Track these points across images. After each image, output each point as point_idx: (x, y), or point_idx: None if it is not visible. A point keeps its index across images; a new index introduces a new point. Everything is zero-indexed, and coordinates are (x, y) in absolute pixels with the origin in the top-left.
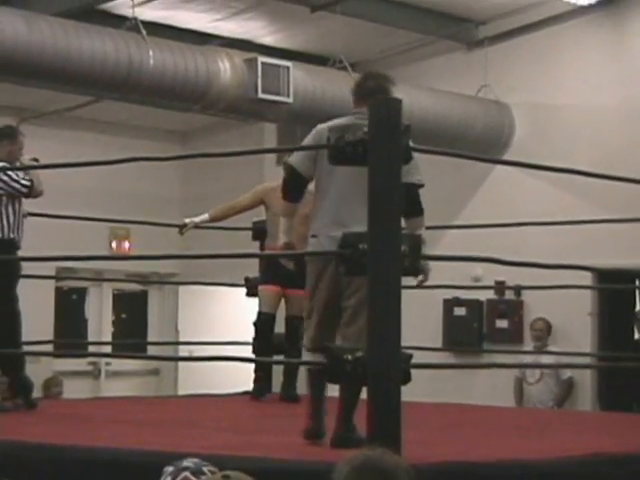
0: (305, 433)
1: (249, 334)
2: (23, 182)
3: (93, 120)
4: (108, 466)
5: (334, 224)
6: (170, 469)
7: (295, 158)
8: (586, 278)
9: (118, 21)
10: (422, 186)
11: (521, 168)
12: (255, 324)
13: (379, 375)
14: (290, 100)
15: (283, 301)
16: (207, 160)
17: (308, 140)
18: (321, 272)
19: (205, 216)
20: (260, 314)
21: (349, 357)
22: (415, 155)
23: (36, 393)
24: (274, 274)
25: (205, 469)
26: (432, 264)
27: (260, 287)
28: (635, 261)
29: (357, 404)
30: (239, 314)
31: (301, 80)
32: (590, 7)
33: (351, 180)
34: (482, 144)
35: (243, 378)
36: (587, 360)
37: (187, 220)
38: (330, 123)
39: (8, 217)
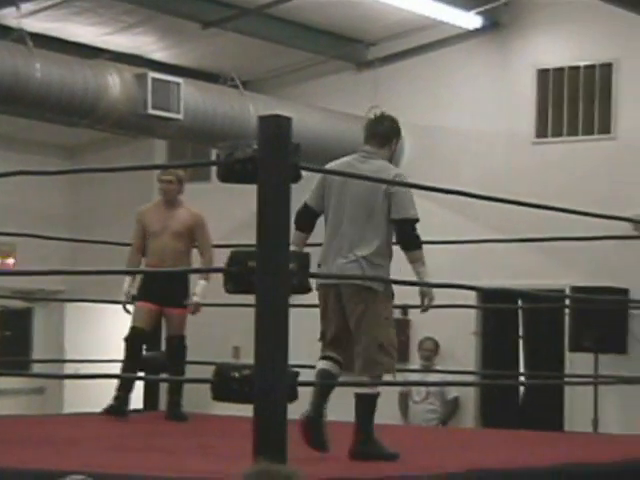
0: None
1: None
2: None
3: None
4: None
5: (334, 253)
6: None
7: (309, 195)
8: (471, 298)
9: (3, 32)
10: (417, 220)
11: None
12: (125, 339)
13: (265, 393)
14: (180, 117)
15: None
16: (96, 175)
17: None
18: (327, 298)
19: (127, 286)
20: (130, 329)
21: (236, 375)
22: (410, 190)
23: None
24: (149, 291)
25: None
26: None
27: (136, 303)
28: (517, 281)
29: (372, 418)
30: (126, 331)
31: (192, 97)
32: (477, 31)
33: (348, 206)
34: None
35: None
36: (471, 378)
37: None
38: (335, 162)
39: None
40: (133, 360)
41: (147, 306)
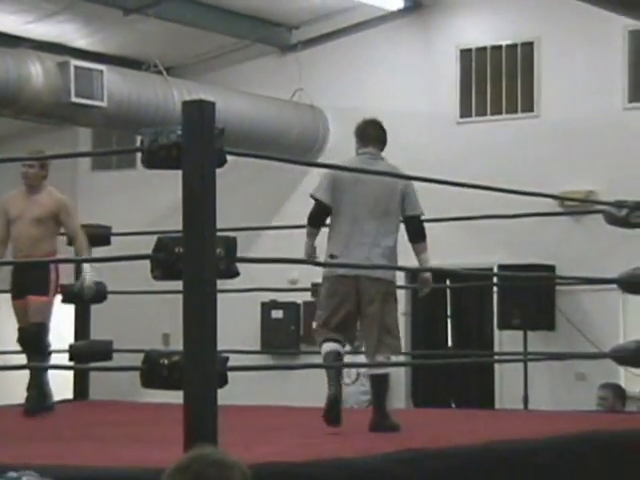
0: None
1: (66, 341)
2: None
3: None
4: None
5: (356, 245)
6: None
7: (318, 192)
8: (400, 278)
9: None
10: (422, 214)
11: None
12: (17, 342)
13: (195, 379)
14: (104, 104)
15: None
16: (20, 165)
17: (323, 179)
18: (344, 286)
19: None
20: (17, 331)
21: (165, 361)
22: (414, 187)
23: None
24: (15, 286)
25: (25, 479)
26: (249, 267)
27: (12, 302)
28: (446, 261)
29: (386, 394)
30: (55, 321)
31: (115, 84)
32: (399, 12)
33: (365, 203)
34: (298, 147)
35: (60, 386)
36: (401, 359)
37: None
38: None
39: None
40: (40, 356)
41: (19, 303)
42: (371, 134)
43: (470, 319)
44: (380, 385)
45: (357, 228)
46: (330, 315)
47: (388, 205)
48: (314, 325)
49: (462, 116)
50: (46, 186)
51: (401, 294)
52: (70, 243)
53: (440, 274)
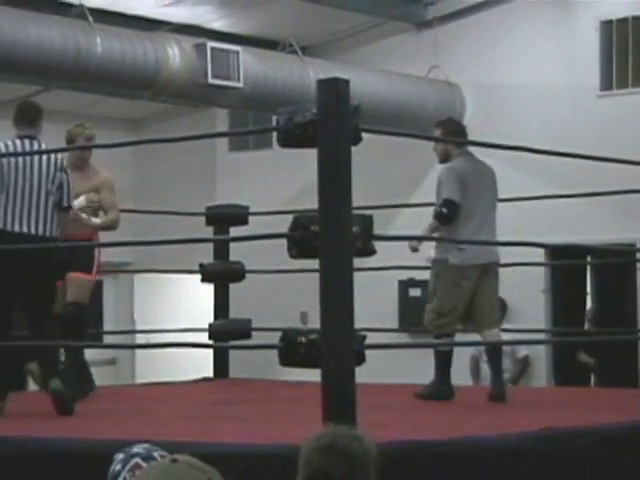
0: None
1: (205, 320)
2: None
3: (45, 110)
4: (62, 456)
5: (487, 235)
6: (120, 456)
7: (454, 195)
8: (539, 255)
9: (64, 8)
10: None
11: (473, 148)
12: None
13: (332, 357)
14: (240, 85)
15: None
16: (160, 147)
17: (450, 177)
18: (474, 275)
19: None
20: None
21: (303, 340)
22: (445, 174)
23: None
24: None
25: (156, 454)
26: (387, 245)
27: None
28: (586, 237)
29: (447, 362)
30: (195, 300)
31: (251, 65)
32: None
33: (490, 202)
34: (434, 124)
35: (200, 364)
36: (541, 337)
37: None
38: (462, 164)
39: None
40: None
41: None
42: (465, 134)
43: (611, 296)
44: (435, 360)
45: (485, 219)
46: (456, 304)
47: (495, 195)
48: (430, 313)
49: (603, 89)
50: (90, 164)
51: (540, 271)
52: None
53: (580, 250)
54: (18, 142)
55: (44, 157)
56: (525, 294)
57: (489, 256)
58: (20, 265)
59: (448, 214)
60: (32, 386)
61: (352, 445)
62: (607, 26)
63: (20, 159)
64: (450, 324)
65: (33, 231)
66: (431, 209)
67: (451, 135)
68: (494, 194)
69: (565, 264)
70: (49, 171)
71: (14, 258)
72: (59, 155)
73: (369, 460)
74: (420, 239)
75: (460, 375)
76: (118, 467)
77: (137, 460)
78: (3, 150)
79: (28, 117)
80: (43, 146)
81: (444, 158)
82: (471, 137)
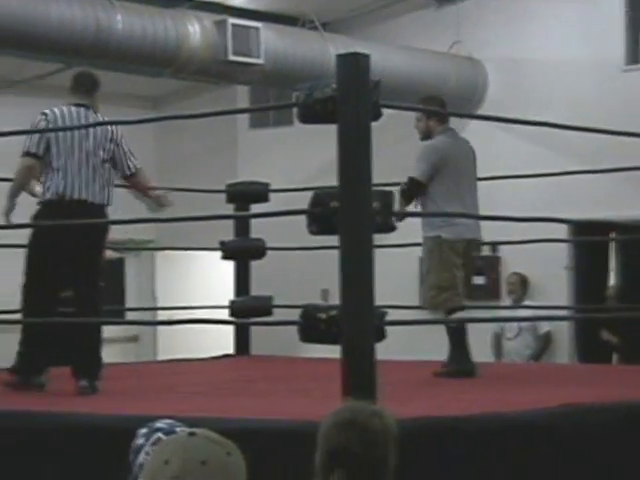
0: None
1: (227, 297)
2: None
3: (64, 87)
4: (84, 432)
5: (473, 210)
6: (143, 431)
7: (419, 173)
8: (562, 231)
9: None
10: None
11: (495, 123)
12: None
13: (353, 333)
14: (261, 61)
15: None
16: (181, 124)
17: (424, 156)
18: (462, 249)
19: None
20: None
21: (323, 316)
22: (422, 151)
23: None
24: None
25: (178, 429)
26: (407, 221)
27: None
28: (610, 213)
29: (462, 338)
30: (216, 278)
31: (272, 41)
32: None
33: (471, 178)
34: (456, 100)
35: (222, 341)
36: (564, 313)
37: None
38: (441, 141)
39: None
40: None
41: None
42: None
43: (636, 273)
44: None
45: (469, 195)
46: (454, 278)
47: (475, 172)
48: (430, 291)
49: (628, 63)
50: None
51: (562, 248)
52: None
53: (604, 226)
54: (74, 109)
55: (100, 128)
56: (548, 271)
57: (474, 232)
58: (79, 234)
59: (409, 193)
60: None
61: (372, 420)
62: None
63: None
64: (452, 298)
65: (90, 198)
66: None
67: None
68: (474, 171)
69: (588, 240)
70: (103, 139)
71: (74, 226)
72: (109, 127)
73: (389, 436)
74: (437, 215)
75: (481, 351)
76: (140, 441)
77: (159, 435)
78: (59, 116)
79: (85, 86)
80: (99, 115)
81: (426, 135)
82: (494, 113)
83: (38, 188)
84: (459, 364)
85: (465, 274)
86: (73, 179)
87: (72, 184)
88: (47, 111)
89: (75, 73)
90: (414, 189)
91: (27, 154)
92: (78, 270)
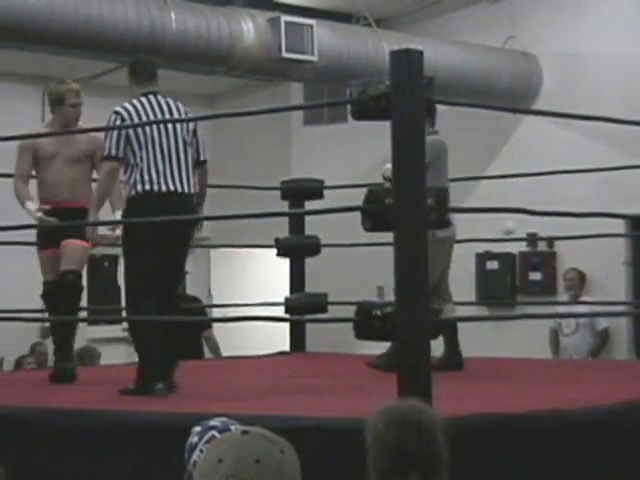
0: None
1: (282, 294)
2: None
3: (119, 86)
4: (140, 429)
5: None
6: (198, 429)
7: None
8: (619, 226)
9: None
10: None
11: (550, 119)
12: (41, 297)
13: (407, 330)
14: (315, 58)
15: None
16: (235, 122)
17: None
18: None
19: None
20: (43, 285)
21: (378, 313)
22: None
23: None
24: (48, 234)
25: (232, 427)
26: (463, 217)
27: (40, 254)
28: None
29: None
30: (271, 275)
31: (325, 38)
32: None
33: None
34: (510, 96)
35: (278, 339)
36: (622, 309)
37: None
38: (439, 140)
39: None
40: (64, 312)
41: (51, 253)
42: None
43: None
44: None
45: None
46: (439, 278)
47: None
48: None
49: None
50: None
51: (620, 243)
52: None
53: None
54: (144, 100)
55: (175, 112)
56: (605, 266)
57: (455, 230)
58: (176, 227)
59: None
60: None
61: (422, 417)
62: None
63: (152, 116)
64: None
65: (179, 189)
66: (507, 181)
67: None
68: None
69: None
70: (184, 126)
71: (168, 220)
72: (183, 111)
73: (439, 431)
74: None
75: (538, 348)
76: (195, 439)
77: (213, 433)
78: (133, 111)
79: (147, 72)
80: (169, 100)
81: None
82: (549, 108)
83: (29, 203)
84: (449, 356)
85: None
86: (158, 171)
87: (157, 176)
88: (119, 109)
89: (131, 62)
90: None
91: (109, 157)
92: (171, 264)
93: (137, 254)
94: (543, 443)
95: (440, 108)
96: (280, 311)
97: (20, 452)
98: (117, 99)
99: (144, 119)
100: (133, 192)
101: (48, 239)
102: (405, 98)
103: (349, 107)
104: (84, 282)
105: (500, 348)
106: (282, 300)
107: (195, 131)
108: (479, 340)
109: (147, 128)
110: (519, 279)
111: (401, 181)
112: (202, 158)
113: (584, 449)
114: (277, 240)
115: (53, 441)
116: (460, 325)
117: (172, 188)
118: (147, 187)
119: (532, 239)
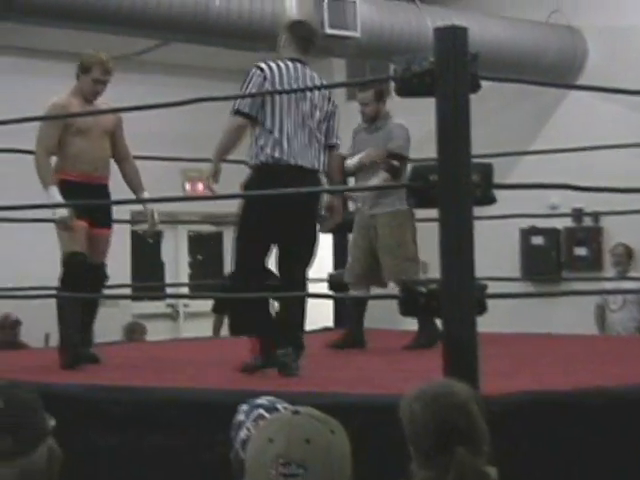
0: None
1: (325, 271)
2: None
3: (161, 63)
4: (187, 406)
5: None
6: (244, 407)
7: (405, 149)
8: None
9: None
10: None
11: (596, 93)
12: (68, 269)
13: (453, 306)
14: (358, 35)
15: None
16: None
17: (403, 133)
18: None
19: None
20: (71, 255)
21: (423, 290)
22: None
23: (118, 337)
24: (86, 209)
25: (279, 406)
26: (507, 193)
27: (74, 222)
28: None
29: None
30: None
31: (368, 14)
32: None
33: None
34: (555, 70)
35: (322, 315)
36: None
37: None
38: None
39: None
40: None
41: (86, 227)
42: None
43: None
44: None
45: None
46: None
47: None
48: (405, 263)
49: None
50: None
51: None
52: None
53: None
54: (290, 65)
55: (314, 84)
56: None
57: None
58: (298, 203)
59: (400, 169)
60: None
61: (454, 393)
62: None
63: (294, 84)
64: (418, 271)
65: (308, 164)
66: (552, 157)
67: (385, 93)
68: None
69: None
70: (321, 99)
71: (292, 195)
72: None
73: (473, 405)
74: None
75: (585, 324)
76: (242, 417)
77: (260, 411)
78: (276, 72)
79: (303, 40)
80: (315, 75)
81: (373, 118)
82: (594, 82)
83: (54, 190)
84: (429, 334)
85: None
86: (289, 142)
87: (288, 148)
88: (262, 65)
89: (292, 22)
90: (404, 165)
91: (238, 112)
92: (296, 244)
93: (250, 230)
94: (589, 420)
95: (484, 84)
96: (324, 287)
97: (69, 430)
98: (157, 75)
99: (285, 85)
100: (260, 159)
101: (84, 212)
102: (450, 75)
103: (393, 84)
104: (128, 258)
105: (546, 324)
106: (326, 276)
107: (333, 114)
108: (524, 316)
109: (284, 94)
110: (564, 254)
111: (445, 157)
112: (335, 141)
113: (629, 426)
114: (321, 216)
115: (98, 417)
116: (505, 301)
117: (300, 163)
118: (276, 157)
119: (577, 214)
